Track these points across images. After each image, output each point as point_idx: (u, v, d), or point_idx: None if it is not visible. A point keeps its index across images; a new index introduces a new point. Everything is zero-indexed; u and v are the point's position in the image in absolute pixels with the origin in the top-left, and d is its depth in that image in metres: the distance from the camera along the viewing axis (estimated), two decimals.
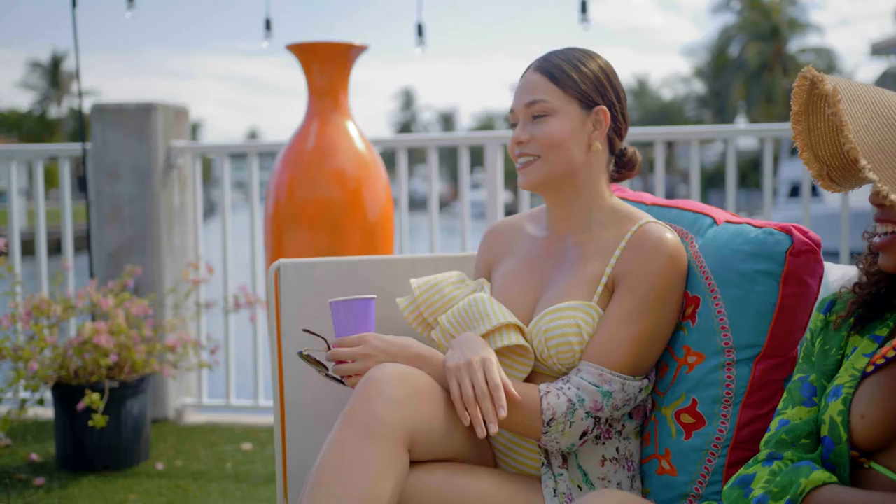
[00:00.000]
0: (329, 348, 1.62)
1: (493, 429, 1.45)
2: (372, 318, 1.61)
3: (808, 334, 1.39)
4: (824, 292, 1.58)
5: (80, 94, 3.88)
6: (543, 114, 1.61)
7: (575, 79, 1.62)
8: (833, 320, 1.35)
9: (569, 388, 1.51)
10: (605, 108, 1.63)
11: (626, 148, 1.71)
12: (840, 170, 1.31)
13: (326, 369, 1.62)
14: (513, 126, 1.68)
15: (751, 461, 1.32)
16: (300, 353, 1.61)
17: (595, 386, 1.51)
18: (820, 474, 1.20)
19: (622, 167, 1.73)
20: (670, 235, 1.58)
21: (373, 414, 1.43)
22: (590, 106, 1.62)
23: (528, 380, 1.60)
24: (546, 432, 1.50)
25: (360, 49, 3.18)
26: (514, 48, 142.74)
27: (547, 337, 1.55)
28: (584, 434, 1.52)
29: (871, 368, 1.25)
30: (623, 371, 1.53)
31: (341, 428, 1.44)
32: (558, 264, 1.65)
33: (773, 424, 1.34)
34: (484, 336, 1.59)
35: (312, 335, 1.67)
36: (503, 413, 1.45)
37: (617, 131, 1.67)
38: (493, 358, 1.51)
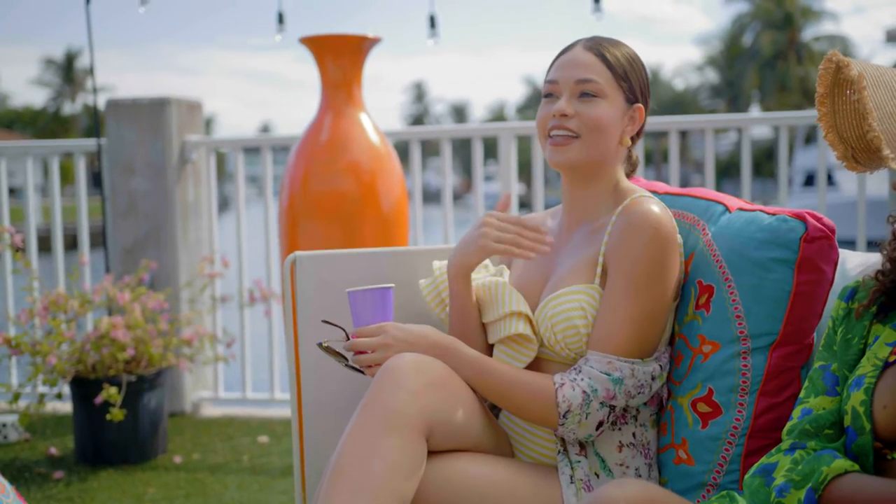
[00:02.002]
0: (348, 338, 1.62)
1: (548, 239, 1.60)
2: (390, 307, 1.61)
3: (829, 322, 1.38)
4: (841, 279, 1.57)
5: (95, 90, 3.90)
6: (594, 94, 1.60)
7: (627, 71, 1.62)
8: (855, 308, 1.34)
9: (582, 380, 1.51)
10: (642, 106, 1.64)
11: (632, 150, 1.72)
12: (865, 151, 1.30)
13: (346, 360, 1.62)
14: (547, 96, 1.64)
15: (773, 450, 1.31)
16: (320, 344, 1.61)
17: (605, 374, 1.51)
18: (842, 462, 1.19)
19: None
20: (656, 208, 1.56)
21: (391, 404, 1.43)
22: (631, 101, 1.63)
23: (536, 367, 1.61)
24: (563, 424, 1.51)
25: (373, 41, 3.18)
26: (526, 40, 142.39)
27: (553, 322, 1.55)
28: (601, 424, 1.52)
29: (893, 358, 1.24)
30: (629, 354, 1.53)
31: (360, 418, 1.44)
32: (565, 251, 1.66)
33: (796, 413, 1.33)
34: (494, 322, 1.61)
35: (331, 325, 1.68)
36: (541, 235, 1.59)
37: (639, 131, 1.68)
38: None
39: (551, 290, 1.61)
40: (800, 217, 1.53)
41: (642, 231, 1.53)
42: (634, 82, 1.63)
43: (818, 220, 1.53)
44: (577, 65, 1.61)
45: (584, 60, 1.61)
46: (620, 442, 1.58)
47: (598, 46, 1.62)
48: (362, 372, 1.61)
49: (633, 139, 1.68)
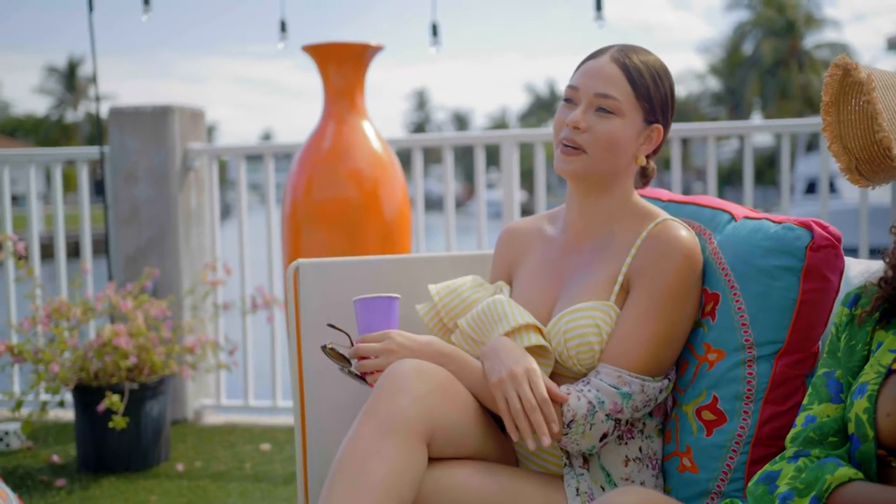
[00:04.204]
0: (352, 345, 1.62)
1: (546, 441, 1.43)
2: (395, 317, 1.61)
3: (832, 329, 1.38)
4: (845, 287, 1.57)
5: (98, 98, 3.90)
6: (611, 111, 1.57)
7: (650, 90, 1.58)
8: (858, 315, 1.34)
9: (589, 391, 1.51)
10: (661, 127, 1.61)
11: (649, 162, 1.70)
12: (869, 163, 1.30)
13: (349, 364, 1.62)
14: (567, 101, 1.62)
15: (777, 458, 1.31)
16: (323, 347, 1.61)
17: (615, 388, 1.51)
18: (846, 470, 1.19)
19: (640, 177, 1.71)
20: (685, 233, 1.57)
21: (393, 409, 1.43)
22: (650, 121, 1.60)
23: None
24: (566, 434, 1.50)
25: (376, 49, 3.19)
26: (527, 47, 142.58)
27: (566, 338, 1.54)
28: (605, 436, 1.52)
29: None
30: (642, 372, 1.52)
31: (362, 422, 1.44)
32: (576, 265, 1.64)
33: (799, 420, 1.33)
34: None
35: (336, 330, 1.68)
36: (556, 427, 1.44)
37: (657, 149, 1.66)
38: (536, 367, 1.48)
39: (565, 304, 1.59)
40: (806, 225, 1.53)
41: (673, 256, 1.54)
42: (656, 102, 1.59)
43: (824, 228, 1.52)
44: (600, 76, 1.57)
45: (608, 73, 1.57)
46: (627, 457, 1.58)
47: (625, 59, 1.58)
48: (363, 380, 1.61)
49: (648, 156, 1.66)
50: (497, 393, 1.47)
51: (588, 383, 1.52)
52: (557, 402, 1.48)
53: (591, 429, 1.50)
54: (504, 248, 1.79)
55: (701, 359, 1.58)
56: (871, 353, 1.30)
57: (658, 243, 1.56)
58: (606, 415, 1.50)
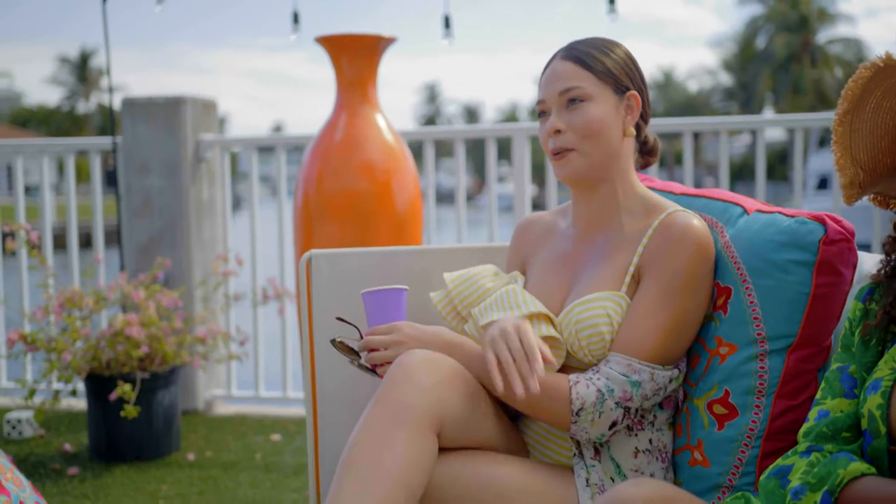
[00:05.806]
0: (361, 337, 1.63)
1: (534, 386, 1.40)
2: (404, 308, 1.62)
3: (846, 324, 1.38)
4: (859, 282, 1.56)
5: (111, 89, 3.92)
6: (579, 99, 1.60)
7: (606, 64, 1.61)
8: (874, 310, 1.34)
9: (598, 379, 1.51)
10: (635, 92, 1.63)
11: (647, 135, 1.72)
12: (872, 172, 1.29)
13: (358, 357, 1.63)
14: (541, 115, 1.66)
15: (789, 452, 1.31)
16: (332, 341, 1.62)
17: (624, 376, 1.51)
18: (858, 465, 1.19)
19: (645, 154, 1.74)
20: (697, 223, 1.57)
21: (402, 399, 1.44)
22: (622, 91, 1.62)
23: (558, 372, 1.60)
24: (575, 422, 1.50)
25: (388, 41, 3.19)
26: (537, 41, 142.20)
27: (578, 328, 1.54)
28: (614, 424, 1.52)
29: None
30: (652, 360, 1.53)
31: (371, 413, 1.45)
32: (588, 257, 1.65)
33: (812, 415, 1.33)
34: None
35: (345, 323, 1.69)
36: (541, 373, 1.42)
37: (644, 117, 1.67)
38: (528, 325, 1.48)
39: (577, 295, 1.60)
40: (819, 219, 1.52)
41: (685, 245, 1.54)
42: (619, 73, 1.62)
43: (837, 222, 1.52)
44: (557, 77, 1.62)
45: (563, 71, 1.61)
46: (636, 448, 1.58)
47: (572, 52, 1.63)
48: (374, 372, 1.62)
49: (639, 126, 1.67)
50: (487, 349, 1.45)
51: (598, 371, 1.52)
52: (549, 363, 1.47)
53: (600, 417, 1.50)
54: (519, 239, 1.81)
55: (713, 353, 1.58)
56: (886, 349, 1.29)
57: (669, 232, 1.56)
58: (616, 403, 1.50)
